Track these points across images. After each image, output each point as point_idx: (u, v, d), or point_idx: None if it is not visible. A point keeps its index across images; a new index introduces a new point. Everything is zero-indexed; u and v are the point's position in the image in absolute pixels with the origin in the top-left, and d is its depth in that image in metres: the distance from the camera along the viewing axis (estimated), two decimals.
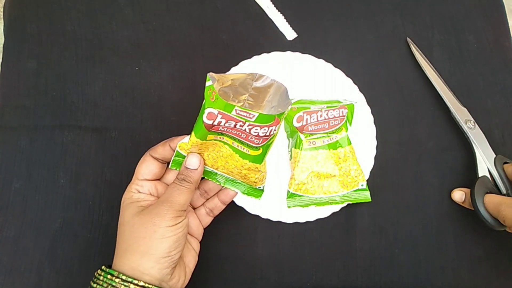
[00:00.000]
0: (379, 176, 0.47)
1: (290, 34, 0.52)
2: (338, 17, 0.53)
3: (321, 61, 0.48)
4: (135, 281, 0.33)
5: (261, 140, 0.37)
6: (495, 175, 0.46)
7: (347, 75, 0.48)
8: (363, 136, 0.47)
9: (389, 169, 0.48)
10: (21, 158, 0.46)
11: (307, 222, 0.44)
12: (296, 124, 0.45)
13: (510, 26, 0.56)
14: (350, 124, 0.46)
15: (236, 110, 0.34)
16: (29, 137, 0.46)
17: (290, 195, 0.44)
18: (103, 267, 0.35)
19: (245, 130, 0.36)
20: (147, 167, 0.38)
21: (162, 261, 0.34)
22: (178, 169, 0.39)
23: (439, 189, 0.48)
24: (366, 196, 0.45)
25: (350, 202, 0.45)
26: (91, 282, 0.35)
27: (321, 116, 0.45)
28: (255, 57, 0.47)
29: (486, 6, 0.56)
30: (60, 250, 0.44)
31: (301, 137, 0.44)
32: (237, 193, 0.41)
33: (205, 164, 0.39)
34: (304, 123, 0.45)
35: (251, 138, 0.37)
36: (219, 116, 0.35)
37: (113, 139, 0.47)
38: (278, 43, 0.51)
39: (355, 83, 0.48)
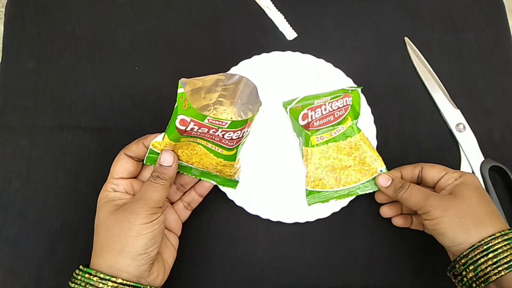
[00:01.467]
0: None
1: (290, 34, 0.52)
2: (338, 17, 0.53)
3: (321, 61, 0.48)
4: (113, 279, 0.33)
5: (235, 142, 0.38)
6: (479, 178, 0.46)
7: (347, 75, 0.48)
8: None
9: (389, 169, 0.48)
10: (20, 158, 0.46)
11: (307, 222, 0.44)
12: (301, 123, 0.44)
13: (510, 25, 0.56)
14: (358, 111, 0.45)
15: (208, 119, 0.35)
16: (29, 137, 0.46)
17: (309, 193, 0.44)
18: (80, 266, 0.35)
19: (218, 135, 0.37)
20: (121, 165, 0.38)
21: (139, 258, 0.34)
22: (153, 165, 0.39)
23: None
24: None
25: (372, 191, 0.44)
26: (69, 282, 0.35)
27: (325, 109, 0.44)
28: (255, 57, 0.47)
29: (486, 6, 0.56)
30: (60, 250, 0.44)
31: (308, 134, 0.44)
32: (213, 185, 0.42)
33: (179, 159, 0.39)
34: (309, 119, 0.44)
35: (224, 141, 0.37)
36: (192, 123, 0.35)
37: (113, 139, 0.47)
38: (278, 43, 0.51)
39: (355, 83, 0.48)
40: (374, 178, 0.43)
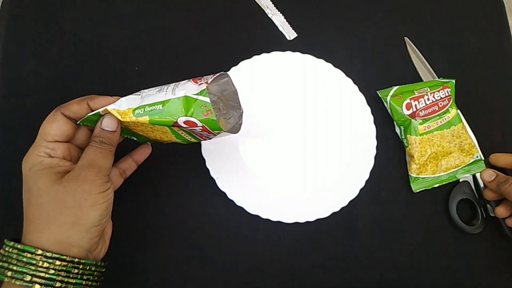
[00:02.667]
0: (379, 176, 0.47)
1: (290, 34, 0.51)
2: (338, 17, 0.53)
3: (321, 61, 0.48)
4: (63, 257, 0.30)
5: (208, 138, 0.36)
6: (479, 179, 0.47)
7: (347, 75, 0.48)
8: (363, 136, 0.47)
9: (390, 169, 0.48)
10: (20, 158, 0.45)
11: (307, 222, 0.44)
12: (406, 112, 0.46)
13: (510, 26, 0.56)
14: (454, 101, 0.48)
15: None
16: (29, 137, 0.46)
17: (414, 180, 0.47)
18: (12, 243, 0.31)
19: (202, 135, 0.34)
20: (58, 127, 0.33)
21: (93, 231, 0.32)
22: (88, 126, 0.35)
23: (439, 188, 0.48)
24: (481, 166, 0.48)
25: (468, 174, 0.48)
26: None
27: (428, 99, 0.47)
28: (255, 57, 0.47)
29: (486, 6, 0.56)
30: None
31: (415, 124, 0.46)
32: (151, 151, 0.39)
33: (125, 125, 0.35)
34: (414, 109, 0.46)
35: (198, 135, 0.35)
36: (199, 125, 0.32)
37: None
38: (278, 43, 0.51)
39: (355, 83, 0.48)
40: (471, 164, 0.47)
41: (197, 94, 0.31)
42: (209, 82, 0.32)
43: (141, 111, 0.31)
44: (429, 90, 0.47)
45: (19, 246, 0.30)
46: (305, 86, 0.48)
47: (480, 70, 0.53)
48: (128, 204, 0.44)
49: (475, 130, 0.49)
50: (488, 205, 0.47)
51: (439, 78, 0.51)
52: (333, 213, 0.44)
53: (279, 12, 0.52)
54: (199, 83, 0.32)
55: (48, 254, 0.30)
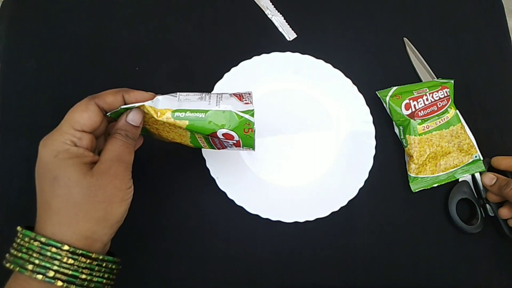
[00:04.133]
0: (378, 175, 0.47)
1: (289, 34, 0.52)
2: (337, 17, 0.53)
3: (321, 61, 0.48)
4: (89, 254, 0.30)
5: (227, 148, 0.37)
6: (478, 179, 0.47)
7: (346, 76, 0.48)
8: (362, 136, 0.47)
9: (389, 169, 0.48)
10: (21, 158, 0.46)
11: (307, 221, 0.44)
12: (405, 112, 0.47)
13: (509, 26, 0.56)
14: (452, 101, 0.48)
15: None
16: (29, 137, 0.46)
17: (413, 179, 0.47)
18: (34, 234, 0.29)
19: (225, 145, 0.36)
20: (90, 117, 0.32)
21: (115, 227, 0.32)
22: (112, 118, 0.34)
23: (438, 188, 0.48)
24: (480, 165, 0.48)
25: (467, 174, 0.48)
26: (13, 252, 0.30)
27: (427, 100, 0.47)
28: (255, 58, 0.47)
29: (485, 7, 0.56)
30: None
31: (414, 124, 0.46)
32: (142, 143, 0.38)
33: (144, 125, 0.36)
34: (413, 109, 0.47)
35: (222, 147, 0.37)
36: (235, 140, 0.34)
37: None
38: (277, 44, 0.51)
39: (354, 83, 0.48)
40: (470, 163, 0.48)
41: (243, 112, 0.33)
42: (251, 102, 0.34)
43: (182, 114, 0.32)
44: (428, 90, 0.47)
45: (43, 239, 0.29)
46: (304, 86, 0.48)
47: (479, 71, 0.53)
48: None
49: (474, 130, 0.49)
50: (487, 204, 0.47)
51: (438, 78, 0.51)
52: (333, 213, 0.44)
53: (278, 13, 0.52)
54: (244, 101, 0.34)
55: (75, 250, 0.29)
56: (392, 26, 0.53)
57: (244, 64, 0.47)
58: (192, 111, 0.32)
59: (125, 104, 0.33)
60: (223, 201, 0.43)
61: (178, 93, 0.34)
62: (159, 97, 0.33)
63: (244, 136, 0.33)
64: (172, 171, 0.45)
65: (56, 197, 0.30)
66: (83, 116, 0.32)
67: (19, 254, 0.29)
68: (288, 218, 0.44)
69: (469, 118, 0.50)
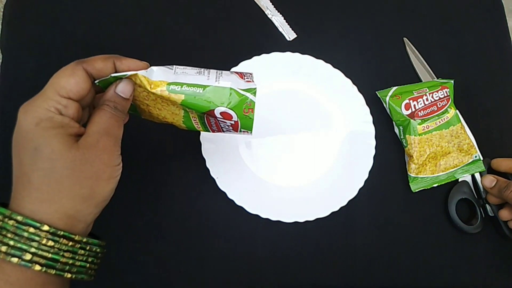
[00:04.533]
0: (378, 175, 0.47)
1: (289, 34, 0.52)
2: (337, 17, 0.53)
3: (321, 61, 0.48)
4: (72, 235, 0.27)
5: (224, 132, 0.35)
6: (478, 179, 0.47)
7: (346, 76, 0.48)
8: (362, 136, 0.47)
9: (389, 169, 0.48)
10: None
11: (307, 221, 0.44)
12: (405, 112, 0.47)
13: (509, 26, 0.56)
14: (452, 101, 0.48)
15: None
16: None
17: (413, 179, 0.47)
18: (8, 212, 0.26)
19: (221, 128, 0.34)
20: (77, 83, 0.28)
21: (100, 206, 0.29)
22: (100, 87, 0.31)
23: (438, 188, 0.48)
24: (480, 165, 0.48)
25: (467, 174, 0.48)
26: None
27: (427, 100, 0.47)
28: (255, 58, 0.47)
29: (485, 7, 0.56)
30: None
31: (414, 124, 0.46)
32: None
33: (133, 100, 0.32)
34: (413, 109, 0.47)
35: (218, 130, 0.34)
36: (234, 120, 0.31)
37: None
38: (277, 44, 0.51)
39: (354, 83, 0.48)
40: (470, 163, 0.48)
41: (245, 90, 0.30)
42: (254, 81, 0.31)
43: (178, 88, 0.29)
44: (428, 90, 0.47)
45: (19, 218, 0.26)
46: (304, 86, 0.49)
47: (479, 71, 0.53)
48: (127, 203, 0.44)
49: (473, 130, 0.49)
50: (487, 205, 0.47)
51: (438, 78, 0.51)
52: (333, 213, 0.44)
53: (278, 13, 0.52)
54: (246, 79, 0.31)
55: (56, 231, 0.26)
56: (392, 26, 0.53)
57: (244, 64, 0.47)
58: (189, 85, 0.29)
59: (116, 72, 0.30)
60: (223, 201, 0.43)
61: (174, 66, 0.31)
62: (154, 68, 0.30)
63: (243, 117, 0.31)
64: (171, 171, 0.45)
65: (37, 170, 0.26)
66: (69, 81, 0.28)
67: None
68: (288, 218, 0.44)
69: (469, 118, 0.50)
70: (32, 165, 0.27)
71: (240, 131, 0.33)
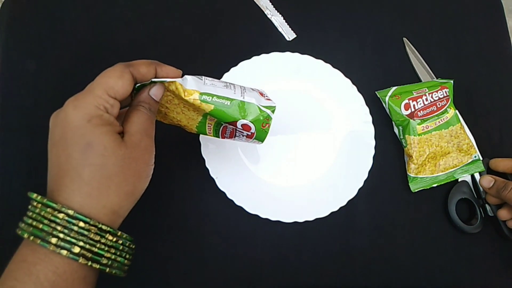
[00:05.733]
0: (378, 176, 0.47)
1: (289, 34, 0.52)
2: (337, 17, 0.53)
3: (320, 61, 0.48)
4: (117, 232, 0.29)
5: (234, 140, 0.38)
6: (477, 179, 0.47)
7: (346, 76, 0.48)
8: (362, 136, 0.47)
9: (388, 169, 0.48)
10: (20, 158, 0.46)
11: (306, 221, 0.44)
12: (404, 112, 0.47)
13: (509, 26, 0.56)
14: (452, 101, 0.48)
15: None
16: (29, 138, 0.46)
17: (412, 179, 0.47)
18: (59, 206, 0.27)
19: (235, 136, 0.37)
20: (124, 85, 0.30)
21: (135, 202, 0.30)
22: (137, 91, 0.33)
23: (438, 188, 0.48)
24: (480, 165, 0.48)
25: (467, 174, 0.48)
26: (31, 222, 0.27)
27: (426, 100, 0.47)
28: (254, 58, 0.47)
29: (484, 6, 0.56)
30: None
31: (413, 124, 0.47)
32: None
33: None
34: (412, 109, 0.47)
35: (231, 137, 0.37)
36: (251, 132, 0.34)
37: None
38: (277, 44, 0.51)
39: (354, 83, 0.48)
40: (469, 163, 0.48)
41: (266, 107, 0.34)
42: (272, 100, 0.35)
43: (209, 98, 0.32)
44: (427, 90, 0.47)
45: (70, 212, 0.26)
46: (304, 86, 0.49)
47: (478, 71, 0.53)
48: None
49: (473, 130, 0.49)
50: (486, 205, 0.47)
51: (437, 78, 0.51)
52: (332, 213, 0.44)
53: (278, 13, 0.52)
54: (265, 97, 0.35)
55: (103, 227, 0.27)
56: (391, 26, 0.53)
57: (243, 64, 0.47)
58: (218, 97, 0.32)
59: (156, 77, 0.32)
60: (223, 201, 0.43)
61: (203, 77, 0.34)
62: (188, 77, 0.33)
63: (260, 130, 0.34)
64: (171, 171, 0.46)
65: (88, 165, 0.27)
66: (118, 82, 0.29)
67: (40, 226, 0.27)
68: (287, 218, 0.44)
69: (468, 118, 0.50)
70: (84, 160, 0.27)
71: (252, 141, 0.36)
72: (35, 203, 0.28)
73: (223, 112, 0.32)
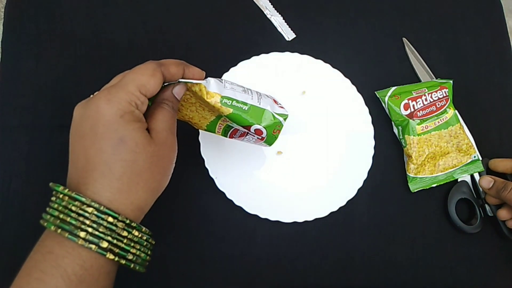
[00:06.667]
0: (377, 176, 0.47)
1: (288, 34, 0.52)
2: (336, 17, 0.53)
3: (320, 61, 0.48)
4: (142, 228, 0.29)
5: (241, 141, 0.39)
6: (477, 179, 0.47)
7: (346, 76, 0.48)
8: (361, 136, 0.47)
9: (388, 169, 0.48)
10: (20, 158, 0.46)
11: (305, 221, 0.44)
12: (404, 112, 0.47)
13: (509, 26, 0.56)
14: (451, 102, 0.48)
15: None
16: (28, 137, 0.46)
17: (412, 179, 0.47)
18: (89, 200, 0.27)
19: (244, 138, 0.38)
20: (155, 84, 0.30)
21: (156, 199, 0.31)
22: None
23: (437, 188, 0.48)
24: (479, 166, 0.48)
25: (466, 174, 0.48)
26: (58, 215, 0.27)
27: (426, 100, 0.47)
28: (254, 58, 0.47)
29: (484, 7, 0.56)
30: None
31: (413, 124, 0.47)
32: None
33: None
34: (412, 109, 0.47)
35: (239, 138, 0.39)
36: (263, 136, 0.35)
37: None
38: (276, 44, 0.51)
39: (353, 83, 0.48)
40: (469, 164, 0.48)
41: (279, 115, 0.35)
42: (284, 108, 0.36)
43: (229, 102, 0.33)
44: (427, 90, 0.47)
45: (101, 207, 0.26)
46: (303, 86, 0.49)
47: (477, 71, 0.53)
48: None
49: (472, 130, 0.49)
50: (486, 205, 0.47)
51: (437, 78, 0.51)
52: (332, 213, 0.44)
53: (277, 13, 0.52)
54: (278, 105, 0.36)
55: (130, 223, 0.27)
56: (391, 26, 0.53)
57: (243, 64, 0.47)
58: (237, 101, 0.33)
59: (183, 78, 0.33)
60: (222, 201, 0.43)
61: (224, 80, 0.35)
62: (211, 80, 0.33)
63: (271, 135, 0.36)
64: None
65: (120, 161, 0.28)
66: (150, 81, 0.29)
67: (68, 219, 0.26)
68: (287, 218, 0.44)
69: (468, 118, 0.50)
70: (116, 155, 0.27)
71: (261, 143, 0.37)
72: (61, 196, 0.28)
73: (240, 116, 0.34)
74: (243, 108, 0.34)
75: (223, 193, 0.44)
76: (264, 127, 0.35)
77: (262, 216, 0.44)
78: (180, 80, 0.33)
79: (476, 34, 0.54)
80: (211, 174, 0.44)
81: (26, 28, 0.49)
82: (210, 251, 0.44)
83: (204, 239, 0.44)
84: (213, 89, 0.33)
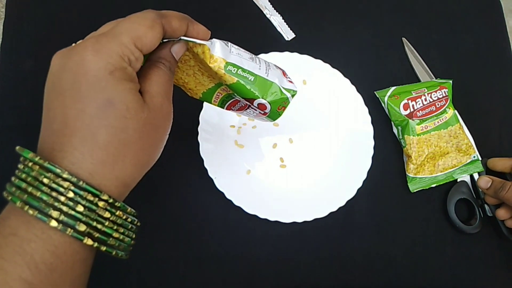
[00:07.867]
0: (377, 176, 0.47)
1: (288, 34, 0.52)
2: (336, 17, 0.53)
3: (319, 61, 0.48)
4: (128, 208, 0.25)
5: (241, 114, 0.36)
6: (476, 178, 0.47)
7: (345, 76, 0.48)
8: (360, 136, 0.47)
9: (387, 169, 0.48)
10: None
11: (305, 222, 0.44)
12: (404, 112, 0.47)
13: (508, 26, 0.56)
14: (451, 102, 0.48)
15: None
16: (27, 138, 0.46)
17: (411, 180, 0.47)
18: (70, 176, 0.21)
19: (244, 111, 0.34)
20: (154, 38, 0.25)
21: (143, 175, 0.26)
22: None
23: (437, 189, 0.48)
24: (478, 166, 0.48)
25: (466, 174, 0.48)
26: (25, 187, 0.22)
27: (425, 100, 0.47)
28: None
29: (483, 7, 0.56)
30: None
31: (412, 124, 0.47)
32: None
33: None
34: (411, 109, 0.47)
35: (238, 111, 0.35)
36: (266, 111, 0.32)
37: None
38: (276, 44, 0.51)
39: (353, 83, 0.48)
40: (468, 164, 0.48)
41: (287, 90, 0.31)
42: (293, 82, 0.32)
43: (234, 70, 0.29)
44: (426, 90, 0.47)
45: (81, 183, 0.21)
46: (303, 86, 0.48)
47: (477, 71, 0.53)
48: (125, 203, 0.44)
49: (472, 131, 0.49)
50: (485, 205, 0.47)
51: (436, 78, 0.51)
52: (331, 213, 0.44)
53: (277, 13, 0.52)
54: (287, 79, 0.32)
55: (114, 202, 0.23)
56: (390, 26, 0.53)
57: None
58: (244, 70, 0.29)
59: (185, 35, 0.28)
60: (221, 201, 0.43)
61: (229, 43, 0.30)
62: (216, 41, 0.29)
63: (275, 111, 0.32)
64: (169, 171, 0.45)
65: (106, 127, 0.22)
66: (148, 34, 0.24)
67: (38, 193, 0.21)
68: (286, 219, 0.44)
69: (467, 118, 0.50)
70: (102, 119, 0.22)
71: (262, 118, 0.33)
72: (30, 164, 0.23)
73: (244, 87, 0.29)
74: (249, 78, 0.29)
75: (222, 193, 0.44)
76: (269, 102, 0.31)
77: (261, 216, 0.44)
78: (182, 37, 0.28)
79: (476, 34, 0.54)
80: (210, 174, 0.44)
81: (26, 28, 0.49)
82: (209, 251, 0.44)
83: (202, 239, 0.44)
84: (218, 53, 0.28)
